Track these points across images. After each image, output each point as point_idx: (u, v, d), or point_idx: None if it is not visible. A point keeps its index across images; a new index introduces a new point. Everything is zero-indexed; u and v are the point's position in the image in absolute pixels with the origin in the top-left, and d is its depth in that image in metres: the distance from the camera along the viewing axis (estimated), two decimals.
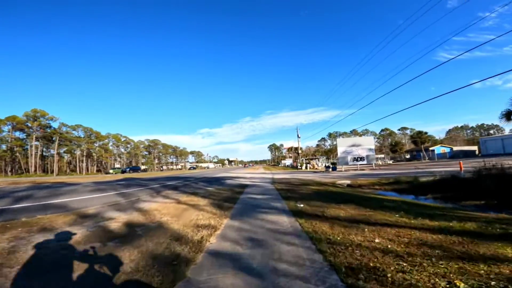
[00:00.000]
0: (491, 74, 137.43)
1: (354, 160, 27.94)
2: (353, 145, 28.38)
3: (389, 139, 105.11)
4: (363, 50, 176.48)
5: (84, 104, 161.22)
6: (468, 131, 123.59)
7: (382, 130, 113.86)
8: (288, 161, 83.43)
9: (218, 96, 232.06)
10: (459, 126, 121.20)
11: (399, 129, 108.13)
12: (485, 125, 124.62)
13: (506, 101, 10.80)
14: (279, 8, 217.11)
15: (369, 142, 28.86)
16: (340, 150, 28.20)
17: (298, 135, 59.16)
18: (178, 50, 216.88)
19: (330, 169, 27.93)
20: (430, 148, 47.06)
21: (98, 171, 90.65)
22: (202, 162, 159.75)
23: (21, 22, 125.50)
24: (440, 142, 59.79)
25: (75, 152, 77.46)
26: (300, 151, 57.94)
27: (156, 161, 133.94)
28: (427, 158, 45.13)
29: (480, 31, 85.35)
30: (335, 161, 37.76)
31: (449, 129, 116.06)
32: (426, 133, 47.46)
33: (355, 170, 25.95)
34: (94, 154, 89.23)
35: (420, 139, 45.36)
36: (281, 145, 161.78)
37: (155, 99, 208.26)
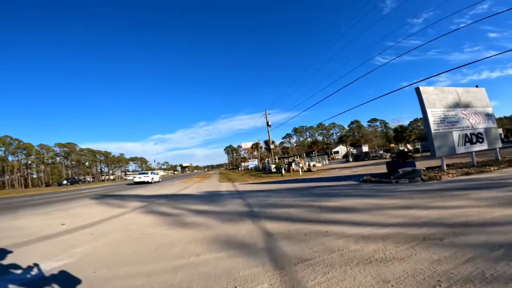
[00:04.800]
0: (418, 76, 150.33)
1: (467, 142, 10.32)
2: (457, 106, 10.74)
3: (359, 133, 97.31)
4: (312, 53, 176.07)
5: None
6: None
7: (351, 123, 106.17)
8: (252, 163, 64.70)
9: (169, 101, 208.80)
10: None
11: (368, 121, 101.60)
12: None
13: None
14: (229, 9, 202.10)
15: (482, 100, 11.75)
16: (433, 118, 10.13)
17: (268, 123, 39.99)
18: (124, 50, 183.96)
19: (408, 179, 9.35)
20: None
21: None
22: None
23: None
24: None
25: None
26: (273, 146, 39.24)
27: (92, 170, 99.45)
28: None
29: (408, 36, 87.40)
30: (402, 150, 12.89)
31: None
32: None
33: (482, 170, 8.21)
34: None
35: None
36: (239, 146, 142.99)
37: (99, 105, 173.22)
